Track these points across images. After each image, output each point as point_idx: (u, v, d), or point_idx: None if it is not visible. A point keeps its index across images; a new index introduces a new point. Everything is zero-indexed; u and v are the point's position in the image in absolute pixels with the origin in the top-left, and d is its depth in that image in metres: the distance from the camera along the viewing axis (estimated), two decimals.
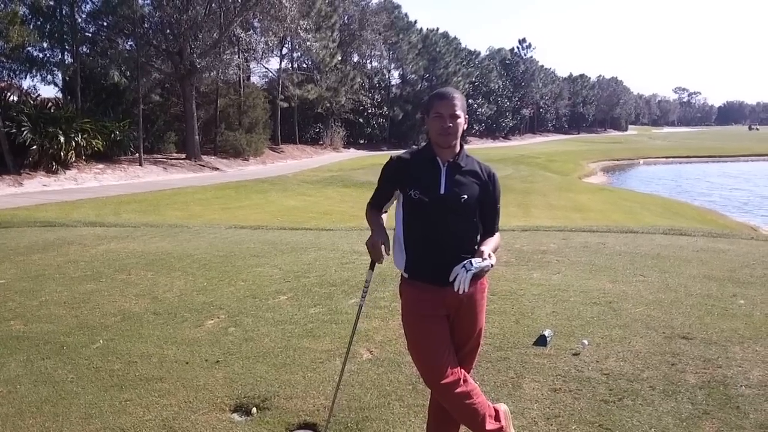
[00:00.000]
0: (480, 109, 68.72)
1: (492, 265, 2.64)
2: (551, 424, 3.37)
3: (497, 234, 2.92)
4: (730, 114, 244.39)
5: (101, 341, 4.80)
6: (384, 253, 2.82)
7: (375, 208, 3.00)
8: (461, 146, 2.85)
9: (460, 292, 2.60)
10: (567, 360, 4.20)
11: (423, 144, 2.94)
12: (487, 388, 3.73)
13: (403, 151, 2.98)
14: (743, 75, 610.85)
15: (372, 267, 2.97)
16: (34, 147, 21.98)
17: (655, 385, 3.78)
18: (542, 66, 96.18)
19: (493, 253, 2.74)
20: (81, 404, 3.73)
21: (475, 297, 2.84)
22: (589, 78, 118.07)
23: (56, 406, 3.70)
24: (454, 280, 2.61)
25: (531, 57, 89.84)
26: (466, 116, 2.82)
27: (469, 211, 2.81)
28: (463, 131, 2.83)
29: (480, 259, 2.62)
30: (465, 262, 2.61)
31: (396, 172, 2.87)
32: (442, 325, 2.79)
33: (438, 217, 2.77)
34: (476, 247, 2.80)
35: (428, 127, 2.83)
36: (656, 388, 3.73)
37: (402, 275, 2.90)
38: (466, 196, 2.77)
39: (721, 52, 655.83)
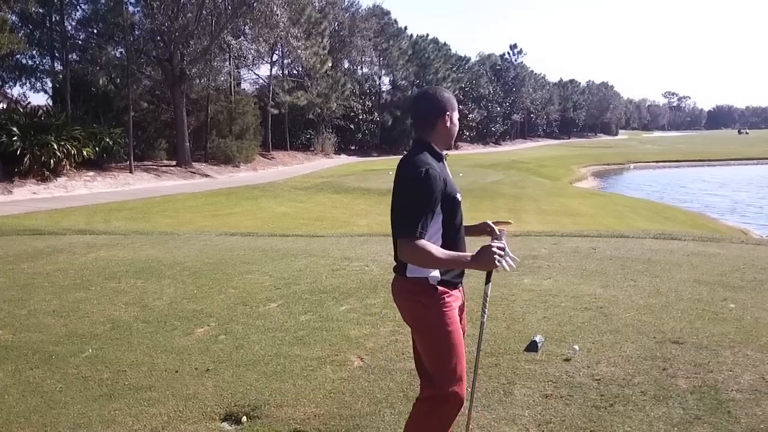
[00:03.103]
0: (470, 115, 68.86)
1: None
2: (542, 431, 3.36)
3: None
4: (720, 118, 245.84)
5: (90, 350, 4.77)
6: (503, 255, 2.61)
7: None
8: None
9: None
10: (558, 366, 4.19)
11: (416, 147, 2.74)
12: (478, 395, 3.71)
13: (426, 163, 2.64)
14: (733, 79, 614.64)
15: (488, 280, 2.83)
16: (25, 155, 21.85)
17: (647, 390, 3.78)
18: (532, 71, 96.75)
19: None
20: (70, 414, 3.69)
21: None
22: (579, 83, 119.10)
23: (44, 417, 3.67)
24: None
25: (521, 62, 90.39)
26: None
27: None
28: None
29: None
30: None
31: (440, 177, 2.62)
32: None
33: (460, 215, 2.77)
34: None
35: (443, 128, 2.72)
36: (647, 394, 3.73)
37: (430, 283, 2.66)
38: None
39: (711, 56, 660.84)
